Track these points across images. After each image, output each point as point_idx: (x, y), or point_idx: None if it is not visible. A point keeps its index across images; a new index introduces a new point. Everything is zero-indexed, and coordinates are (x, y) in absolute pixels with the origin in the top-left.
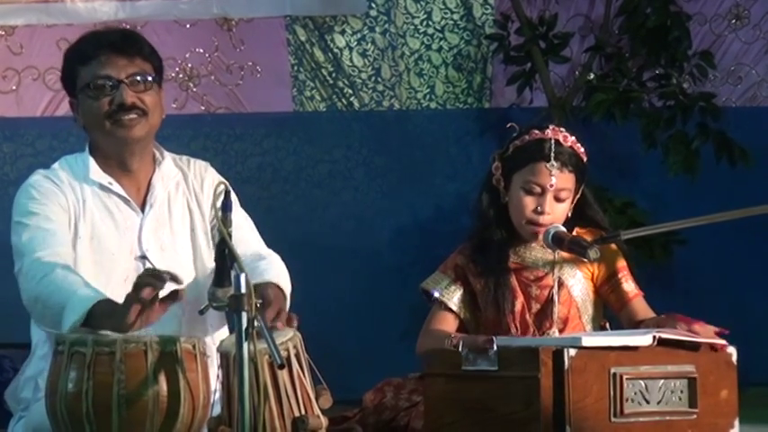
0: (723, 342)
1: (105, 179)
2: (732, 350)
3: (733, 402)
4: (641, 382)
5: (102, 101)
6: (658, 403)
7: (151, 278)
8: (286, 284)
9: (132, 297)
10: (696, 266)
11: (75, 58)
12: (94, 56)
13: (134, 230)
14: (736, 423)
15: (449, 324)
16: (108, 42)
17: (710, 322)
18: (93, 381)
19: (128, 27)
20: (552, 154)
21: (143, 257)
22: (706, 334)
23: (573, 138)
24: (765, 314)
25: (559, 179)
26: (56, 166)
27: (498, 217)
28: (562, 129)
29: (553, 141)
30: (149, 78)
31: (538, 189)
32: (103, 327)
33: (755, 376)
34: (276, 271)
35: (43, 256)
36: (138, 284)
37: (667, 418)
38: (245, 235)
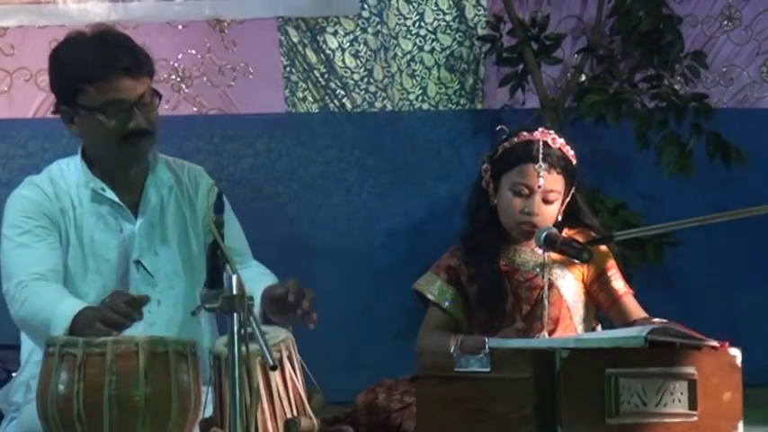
0: (714, 343)
1: (98, 185)
2: (736, 352)
3: (737, 404)
4: (638, 383)
5: (114, 125)
6: (657, 405)
7: (119, 316)
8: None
9: (100, 329)
10: (688, 268)
11: (80, 75)
12: (104, 77)
13: (128, 235)
14: (740, 425)
15: (447, 324)
16: (120, 66)
17: (703, 323)
18: (84, 382)
19: (119, 29)
20: (540, 155)
21: (137, 262)
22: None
23: (562, 140)
24: (757, 315)
25: (547, 181)
26: (48, 171)
27: (488, 219)
28: (551, 131)
29: (541, 143)
30: (155, 97)
31: (526, 190)
32: (84, 335)
33: (749, 377)
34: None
35: (27, 278)
36: (106, 319)
37: (666, 420)
38: (234, 246)
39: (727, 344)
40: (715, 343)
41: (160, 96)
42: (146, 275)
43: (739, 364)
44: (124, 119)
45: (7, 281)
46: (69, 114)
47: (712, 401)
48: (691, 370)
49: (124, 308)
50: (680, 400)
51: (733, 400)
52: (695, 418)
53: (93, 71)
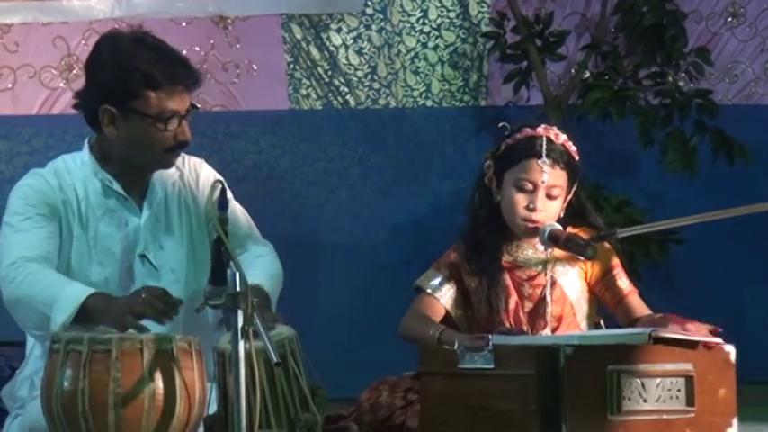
0: (717, 340)
1: (106, 177)
2: (731, 349)
3: (731, 401)
4: (638, 380)
5: (167, 135)
6: (656, 401)
7: (155, 310)
8: (271, 285)
9: (131, 320)
10: (693, 264)
11: (142, 79)
12: (166, 86)
13: (133, 229)
14: (735, 422)
15: (435, 311)
16: (181, 78)
17: (707, 320)
18: (89, 379)
19: (123, 26)
20: (544, 151)
21: (142, 256)
22: (699, 333)
23: (565, 136)
24: (762, 312)
25: (551, 176)
26: (53, 165)
27: (490, 216)
28: (554, 127)
29: (545, 138)
30: (193, 108)
31: (529, 186)
32: (98, 322)
33: (752, 374)
34: (261, 271)
35: (19, 259)
36: (142, 311)
37: (665, 416)
38: (237, 230)
39: (721, 344)
40: (716, 339)
41: (197, 107)
42: (150, 269)
43: (733, 361)
44: (176, 130)
45: (0, 262)
46: (112, 115)
47: (708, 398)
48: (688, 366)
49: (161, 306)
50: (678, 397)
51: (728, 396)
52: (692, 415)
53: (160, 80)
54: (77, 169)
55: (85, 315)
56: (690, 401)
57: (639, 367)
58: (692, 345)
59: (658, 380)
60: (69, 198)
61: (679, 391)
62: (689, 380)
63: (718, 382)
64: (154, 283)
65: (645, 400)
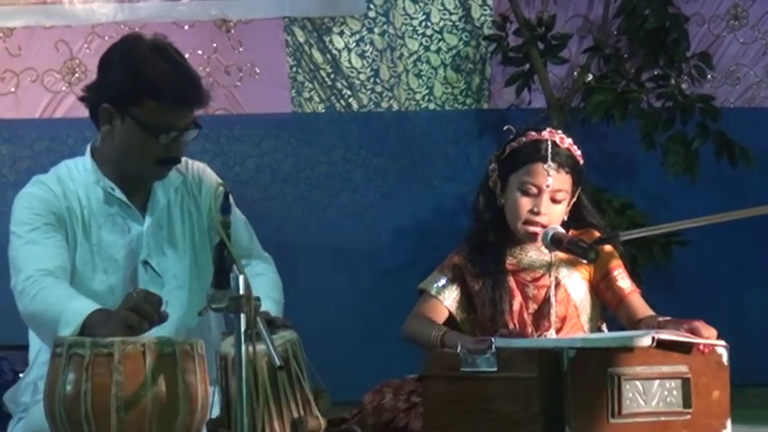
0: (720, 343)
1: (108, 185)
2: (723, 351)
3: (725, 403)
4: (638, 382)
5: (159, 146)
6: (654, 403)
7: (144, 315)
8: (277, 311)
9: (124, 323)
10: (696, 267)
11: (146, 87)
12: (170, 100)
13: (135, 236)
14: (728, 423)
15: (438, 313)
16: (185, 95)
17: (710, 323)
18: (92, 382)
19: (126, 30)
20: (549, 155)
21: (145, 263)
22: (709, 333)
23: (570, 140)
24: (765, 314)
25: (556, 180)
26: (55, 171)
27: (495, 219)
28: (559, 131)
29: (550, 142)
30: (194, 127)
31: (534, 190)
32: (98, 336)
33: (755, 377)
34: (264, 296)
35: (36, 273)
36: (133, 313)
37: (663, 418)
38: (238, 241)
39: (712, 347)
40: (720, 342)
41: (199, 126)
42: (153, 276)
43: (726, 363)
44: (168, 145)
45: (16, 275)
46: (110, 115)
47: (703, 400)
48: (683, 369)
49: (148, 308)
50: (674, 399)
51: (721, 398)
52: (689, 417)
53: (163, 92)
54: (80, 176)
55: (88, 329)
56: (687, 403)
57: (639, 370)
58: (688, 347)
59: (657, 382)
60: (73, 205)
61: (676, 393)
62: (685, 382)
63: (711, 383)
64: (157, 290)
65: (645, 403)
